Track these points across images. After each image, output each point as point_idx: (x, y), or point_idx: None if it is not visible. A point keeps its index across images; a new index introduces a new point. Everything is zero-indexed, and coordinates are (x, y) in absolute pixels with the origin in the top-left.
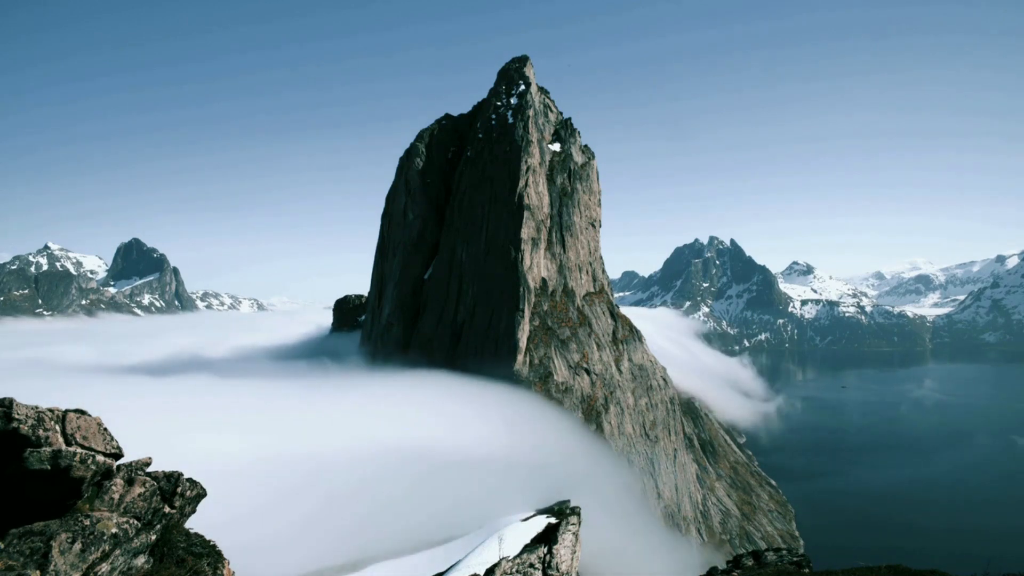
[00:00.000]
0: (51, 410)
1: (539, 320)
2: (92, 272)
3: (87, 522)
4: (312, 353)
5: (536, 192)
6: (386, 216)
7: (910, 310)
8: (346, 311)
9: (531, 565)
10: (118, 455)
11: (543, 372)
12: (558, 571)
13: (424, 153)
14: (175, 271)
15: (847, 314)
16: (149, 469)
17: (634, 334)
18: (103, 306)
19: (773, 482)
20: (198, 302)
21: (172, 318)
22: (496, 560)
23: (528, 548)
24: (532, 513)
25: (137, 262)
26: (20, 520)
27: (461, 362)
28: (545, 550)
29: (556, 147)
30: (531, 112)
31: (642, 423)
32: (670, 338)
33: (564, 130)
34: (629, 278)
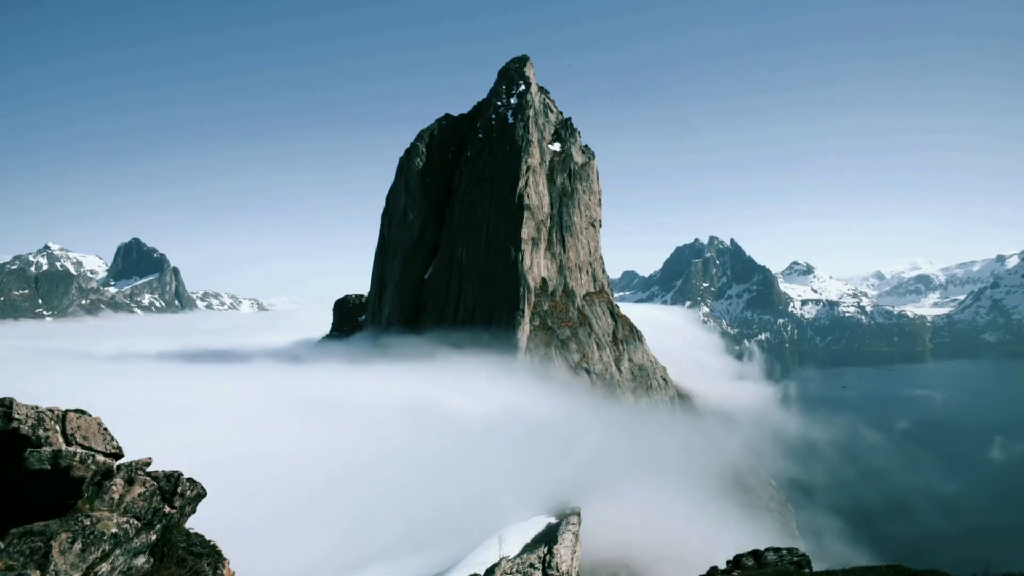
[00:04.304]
0: (51, 410)
1: (539, 320)
2: (92, 272)
3: (87, 522)
4: (311, 352)
5: (536, 192)
6: (386, 216)
7: (910, 310)
8: (346, 311)
9: (531, 565)
10: (118, 455)
11: (543, 372)
12: (558, 571)
13: (424, 153)
14: (175, 271)
15: (847, 314)
16: (149, 469)
17: (634, 334)
18: (103, 306)
19: (773, 482)
20: (198, 302)
21: (173, 317)
22: (496, 560)
23: (528, 548)
24: (533, 513)
25: (137, 262)
26: (20, 520)
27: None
28: (545, 550)
29: (556, 147)
30: (531, 112)
31: None
32: (680, 337)
33: (564, 130)
34: (629, 278)
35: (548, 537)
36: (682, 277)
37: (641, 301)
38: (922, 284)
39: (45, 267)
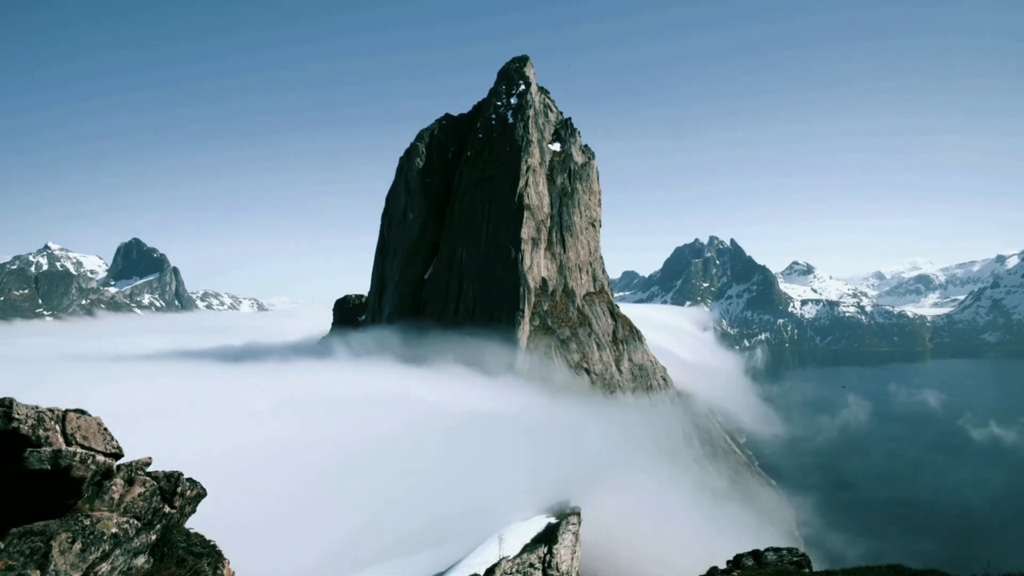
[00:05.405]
0: (51, 410)
1: (539, 320)
2: (92, 272)
3: (87, 522)
4: (311, 352)
5: (536, 192)
6: (386, 216)
7: (910, 310)
8: (346, 311)
9: (531, 565)
10: (118, 455)
11: (543, 372)
12: (558, 571)
13: (424, 153)
14: (175, 271)
15: (847, 314)
16: (149, 469)
17: (634, 334)
18: (103, 306)
19: (773, 482)
20: (198, 302)
21: (173, 317)
22: (496, 560)
23: (528, 548)
24: (533, 513)
25: (137, 262)
26: (20, 520)
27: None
28: (545, 550)
29: (556, 147)
30: (531, 112)
31: None
32: (680, 337)
33: (564, 130)
34: (629, 278)
35: (548, 537)
36: (682, 277)
37: (641, 301)
38: (922, 284)
39: (45, 267)
